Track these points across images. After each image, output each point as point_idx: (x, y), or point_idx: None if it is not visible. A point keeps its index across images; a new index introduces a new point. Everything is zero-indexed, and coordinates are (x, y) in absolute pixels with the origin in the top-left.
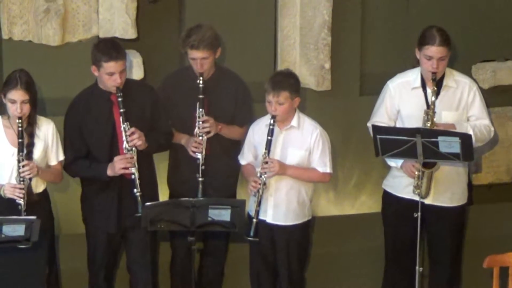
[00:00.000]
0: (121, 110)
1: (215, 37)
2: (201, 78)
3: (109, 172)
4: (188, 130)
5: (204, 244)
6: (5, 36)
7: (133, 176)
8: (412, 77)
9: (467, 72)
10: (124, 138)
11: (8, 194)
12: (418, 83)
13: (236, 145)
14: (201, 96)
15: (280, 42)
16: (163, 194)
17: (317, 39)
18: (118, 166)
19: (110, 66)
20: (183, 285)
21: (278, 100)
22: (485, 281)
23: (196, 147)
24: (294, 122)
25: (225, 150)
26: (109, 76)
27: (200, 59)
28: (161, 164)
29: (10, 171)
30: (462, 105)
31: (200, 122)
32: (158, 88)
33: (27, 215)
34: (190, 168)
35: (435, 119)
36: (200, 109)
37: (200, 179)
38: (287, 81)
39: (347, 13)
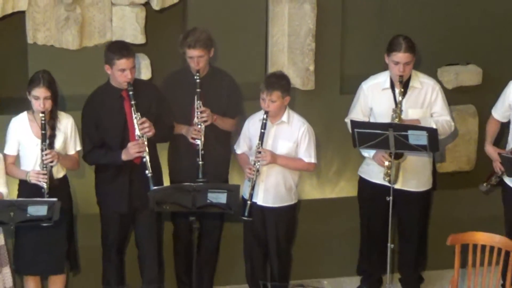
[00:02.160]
0: (132, 102)
1: (209, 38)
2: (198, 74)
3: (124, 157)
4: (187, 122)
5: (201, 225)
6: (30, 41)
7: (144, 160)
8: (382, 79)
9: (433, 74)
10: (136, 126)
11: (33, 179)
12: (387, 84)
13: (227, 136)
14: (198, 90)
15: (270, 47)
16: (165, 179)
17: (303, 45)
18: (132, 150)
19: (122, 63)
20: (185, 259)
21: (271, 98)
22: (448, 257)
23: (196, 134)
24: (284, 117)
25: (218, 140)
26: (121, 72)
27: (196, 57)
28: (161, 152)
29: (34, 159)
30: (426, 103)
31: (199, 113)
32: (160, 86)
33: (49, 197)
34: (189, 155)
35: (402, 116)
36: (198, 101)
37: (200, 162)
38: (279, 82)
39: (329, 23)
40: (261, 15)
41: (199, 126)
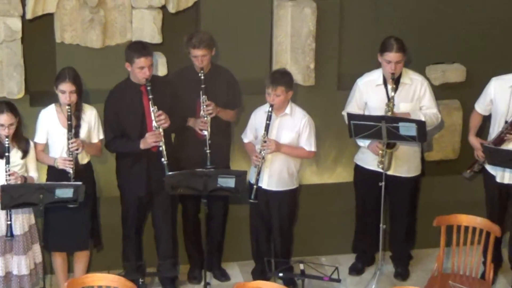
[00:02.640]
0: (150, 96)
1: (211, 39)
2: (202, 71)
3: (142, 146)
4: (192, 114)
5: (209, 208)
6: (58, 40)
7: (160, 148)
8: (376, 76)
9: (422, 71)
10: (153, 118)
11: (60, 165)
12: (380, 81)
13: (228, 125)
14: (203, 86)
15: (274, 47)
16: None
17: (304, 45)
18: (150, 140)
19: (141, 61)
20: (194, 237)
21: (276, 92)
22: (434, 237)
23: (203, 126)
24: (287, 110)
25: (220, 130)
26: (140, 69)
27: (200, 56)
28: None
29: (61, 147)
30: (416, 98)
31: (204, 106)
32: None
33: (74, 181)
34: (194, 144)
35: (394, 110)
36: (203, 96)
37: (208, 151)
38: (283, 78)
39: (328, 25)
40: (266, 18)
41: (205, 118)
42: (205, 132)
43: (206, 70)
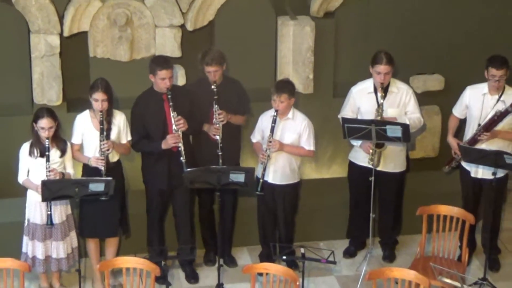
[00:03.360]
0: (171, 103)
1: (222, 56)
2: (214, 84)
3: (163, 146)
4: (207, 120)
5: (221, 200)
6: (91, 55)
7: (179, 148)
8: (367, 84)
9: (407, 81)
10: (173, 122)
11: (93, 163)
12: (371, 89)
13: (238, 129)
14: (215, 97)
15: (279, 60)
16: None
17: (304, 58)
18: (170, 141)
19: (163, 73)
20: (208, 224)
21: (280, 99)
22: (417, 224)
23: (216, 132)
24: (290, 115)
25: (232, 132)
26: (161, 80)
27: (213, 72)
28: None
29: (94, 147)
30: (402, 104)
31: (217, 114)
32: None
33: (106, 177)
34: (208, 146)
35: (383, 114)
36: (216, 105)
37: (220, 153)
38: (287, 87)
39: (325, 41)
40: (271, 35)
41: (217, 125)
42: (217, 137)
43: (219, 82)
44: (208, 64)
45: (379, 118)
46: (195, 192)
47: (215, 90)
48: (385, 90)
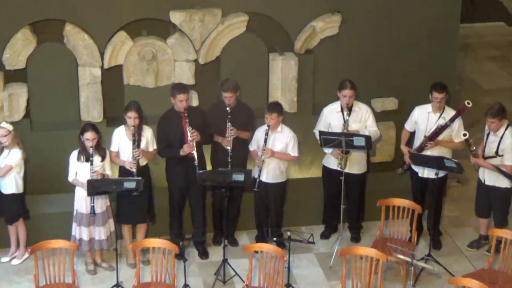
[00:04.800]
0: (187, 120)
1: (236, 85)
2: (229, 107)
3: (181, 153)
4: (222, 134)
5: (230, 194)
6: (125, 82)
7: (194, 155)
8: (336, 105)
9: (369, 102)
10: (189, 134)
11: (127, 166)
12: (339, 109)
13: (246, 142)
14: (229, 116)
15: (270, 86)
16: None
17: (290, 85)
18: (186, 149)
19: (181, 97)
20: (218, 213)
21: (271, 117)
22: (377, 213)
23: (228, 144)
24: (279, 129)
25: (241, 144)
26: (180, 102)
27: (228, 97)
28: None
29: (128, 154)
30: (362, 120)
31: (229, 130)
32: (207, 112)
33: (137, 177)
34: (223, 154)
35: (349, 128)
36: (229, 123)
37: (229, 160)
38: (276, 108)
39: (305, 72)
40: (264, 67)
41: (229, 138)
42: (228, 147)
43: (233, 105)
44: (225, 90)
45: (345, 131)
46: (206, 188)
47: (229, 111)
48: (350, 109)
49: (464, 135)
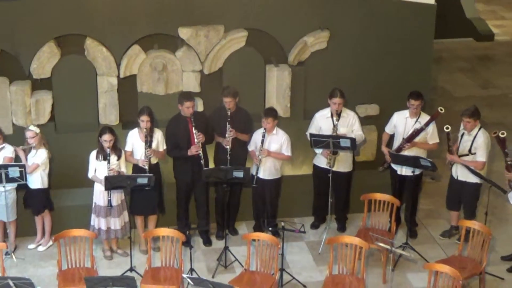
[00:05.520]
0: (193, 124)
1: (236, 91)
2: (229, 110)
3: (188, 153)
4: (223, 135)
5: (230, 189)
6: (139, 90)
7: (199, 154)
8: (326, 111)
9: (353, 108)
10: (195, 136)
11: (140, 164)
12: (329, 115)
13: (245, 143)
14: (229, 119)
15: (266, 94)
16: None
17: (284, 93)
18: (193, 150)
19: (188, 103)
20: (220, 206)
21: (267, 121)
22: (361, 206)
23: (227, 143)
24: (274, 131)
25: (241, 145)
26: (187, 108)
27: (229, 102)
28: (209, 151)
29: (141, 153)
30: (350, 124)
31: (229, 131)
32: (209, 115)
33: (149, 174)
34: (223, 153)
35: (337, 132)
36: (229, 125)
37: (228, 158)
38: (272, 113)
39: (298, 81)
40: (261, 77)
41: (228, 139)
42: (228, 147)
43: (232, 109)
44: (226, 96)
45: (334, 134)
46: (210, 184)
47: (229, 114)
48: (339, 115)
49: (447, 128)
